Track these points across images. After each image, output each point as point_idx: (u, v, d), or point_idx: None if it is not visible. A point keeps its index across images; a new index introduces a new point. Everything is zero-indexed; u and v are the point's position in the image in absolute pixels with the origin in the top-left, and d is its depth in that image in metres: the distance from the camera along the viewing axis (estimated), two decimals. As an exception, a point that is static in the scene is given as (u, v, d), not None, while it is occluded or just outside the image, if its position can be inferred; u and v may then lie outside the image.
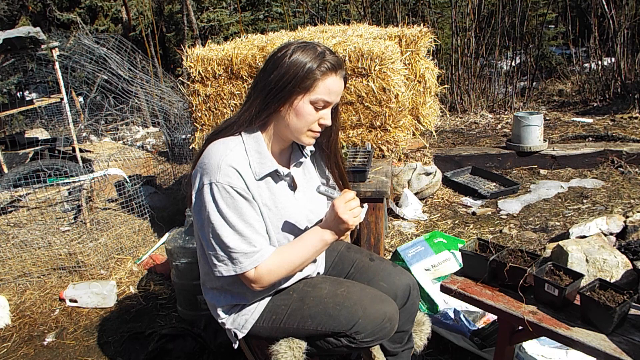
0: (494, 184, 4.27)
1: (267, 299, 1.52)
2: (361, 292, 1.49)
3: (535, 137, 4.49)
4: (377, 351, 1.65)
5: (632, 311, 1.54)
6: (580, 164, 4.48)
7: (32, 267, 3.13)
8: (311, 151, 1.58)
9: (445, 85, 6.26)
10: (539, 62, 7.61)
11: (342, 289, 1.50)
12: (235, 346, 1.59)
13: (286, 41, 1.42)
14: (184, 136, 5.38)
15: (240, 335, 1.53)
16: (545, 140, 4.60)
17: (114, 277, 3.13)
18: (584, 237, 2.80)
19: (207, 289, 1.56)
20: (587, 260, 2.52)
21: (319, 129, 1.40)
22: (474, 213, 3.77)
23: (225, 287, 1.50)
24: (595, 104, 6.44)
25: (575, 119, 5.87)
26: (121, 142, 6.67)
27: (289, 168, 1.51)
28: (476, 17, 6.77)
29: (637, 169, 4.22)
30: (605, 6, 6.12)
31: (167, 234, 3.53)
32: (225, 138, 1.41)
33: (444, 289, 1.79)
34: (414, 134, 3.61)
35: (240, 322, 1.52)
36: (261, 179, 1.40)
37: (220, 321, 1.55)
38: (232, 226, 1.34)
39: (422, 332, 1.75)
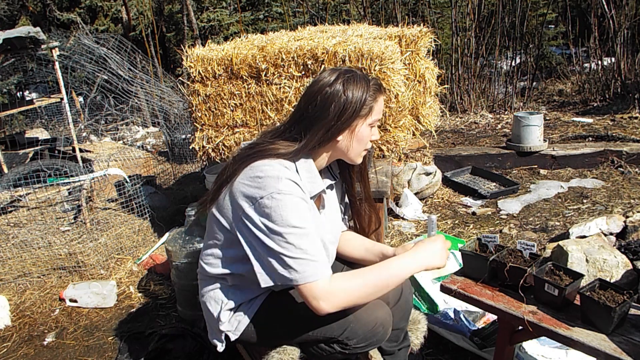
0: (494, 184, 4.27)
1: (259, 303, 1.51)
2: None
3: (535, 137, 4.49)
4: (373, 351, 1.65)
5: (632, 311, 1.54)
6: (580, 164, 4.48)
7: (32, 267, 3.13)
8: (338, 173, 1.64)
9: (445, 85, 6.25)
10: (539, 62, 7.62)
11: None
12: (221, 349, 1.55)
13: (325, 71, 1.48)
14: (184, 136, 5.38)
15: (233, 337, 1.52)
16: (545, 140, 4.60)
17: (114, 277, 3.13)
18: (584, 237, 2.80)
19: (208, 291, 1.55)
20: (587, 260, 2.52)
21: (370, 146, 1.51)
22: (474, 213, 3.77)
23: (230, 284, 1.51)
24: (595, 104, 6.44)
25: (575, 119, 5.87)
26: (121, 142, 6.68)
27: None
28: (476, 17, 6.77)
29: (637, 169, 4.22)
30: (605, 6, 6.12)
31: (167, 234, 3.53)
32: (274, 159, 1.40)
33: (444, 289, 1.79)
34: (414, 134, 3.61)
35: (234, 323, 1.51)
36: (311, 198, 1.44)
37: (220, 322, 1.53)
38: (300, 235, 1.31)
39: (418, 331, 1.76)
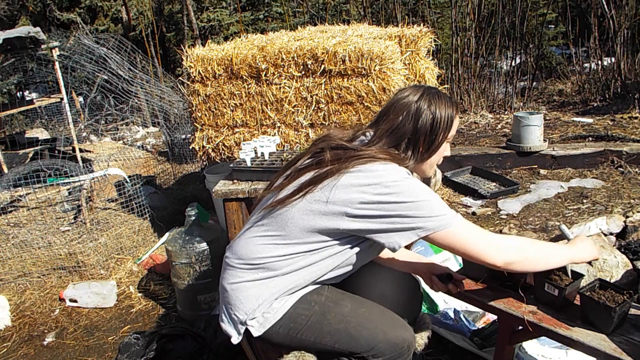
0: (494, 184, 4.27)
1: (291, 303, 1.48)
2: (382, 314, 1.50)
3: (535, 137, 4.49)
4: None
5: (632, 311, 1.54)
6: (580, 164, 4.47)
7: (32, 267, 3.13)
8: None
9: (445, 85, 6.26)
10: (539, 62, 7.61)
11: (364, 309, 1.50)
12: (236, 341, 1.53)
13: (408, 88, 1.52)
14: (184, 136, 5.38)
15: (256, 334, 1.48)
16: (545, 140, 4.60)
17: (114, 277, 3.13)
18: (584, 237, 2.80)
19: (243, 281, 1.49)
20: (587, 260, 2.51)
21: (441, 161, 1.59)
22: (474, 213, 3.77)
23: (273, 275, 1.46)
24: (595, 104, 6.44)
25: (575, 119, 5.87)
26: (121, 142, 6.68)
27: None
28: (476, 17, 6.77)
29: (637, 169, 4.22)
30: (605, 6, 6.12)
31: (167, 234, 3.53)
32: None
33: (444, 289, 1.79)
34: (414, 134, 3.59)
35: (260, 320, 1.48)
36: None
37: (250, 317, 1.48)
38: (434, 198, 1.38)
39: (423, 332, 1.76)
